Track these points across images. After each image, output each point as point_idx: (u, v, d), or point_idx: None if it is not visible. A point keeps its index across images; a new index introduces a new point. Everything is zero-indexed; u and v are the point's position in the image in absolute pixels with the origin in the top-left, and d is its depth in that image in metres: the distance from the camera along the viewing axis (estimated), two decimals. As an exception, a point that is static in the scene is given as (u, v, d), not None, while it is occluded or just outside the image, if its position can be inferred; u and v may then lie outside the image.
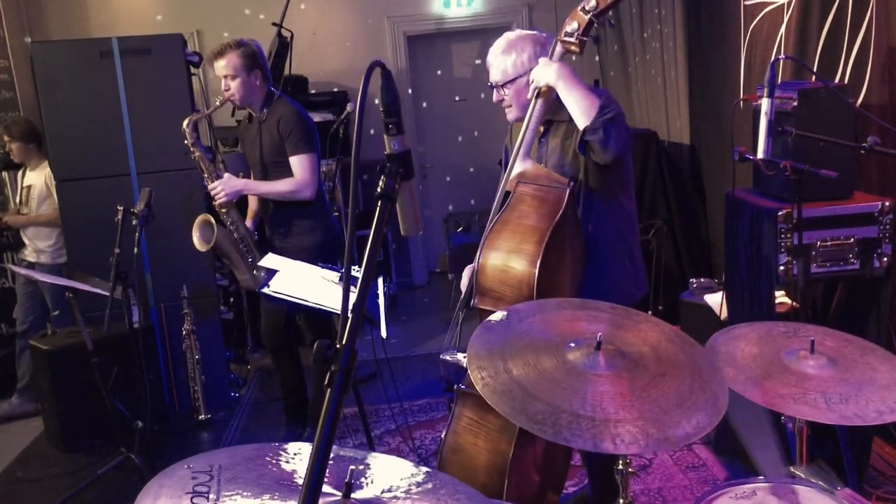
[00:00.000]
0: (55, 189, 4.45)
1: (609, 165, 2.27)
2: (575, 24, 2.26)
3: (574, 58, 2.42)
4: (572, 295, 2.29)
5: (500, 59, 2.47)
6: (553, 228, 2.13)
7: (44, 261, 4.56)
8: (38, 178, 4.54)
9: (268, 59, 5.10)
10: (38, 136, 4.50)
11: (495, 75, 2.49)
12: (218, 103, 3.52)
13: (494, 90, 2.52)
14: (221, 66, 3.44)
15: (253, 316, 5.36)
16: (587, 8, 2.22)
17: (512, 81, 2.45)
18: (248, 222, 3.74)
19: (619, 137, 2.20)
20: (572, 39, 2.26)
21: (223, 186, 3.52)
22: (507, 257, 2.15)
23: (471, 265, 2.49)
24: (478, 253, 2.24)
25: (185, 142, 3.54)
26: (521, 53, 2.45)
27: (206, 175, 3.58)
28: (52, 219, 4.49)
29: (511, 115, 2.52)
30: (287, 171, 3.51)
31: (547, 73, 2.27)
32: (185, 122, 3.54)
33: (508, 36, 2.51)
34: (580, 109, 2.22)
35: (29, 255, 4.61)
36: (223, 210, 3.59)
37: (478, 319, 2.25)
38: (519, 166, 2.31)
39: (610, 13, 2.28)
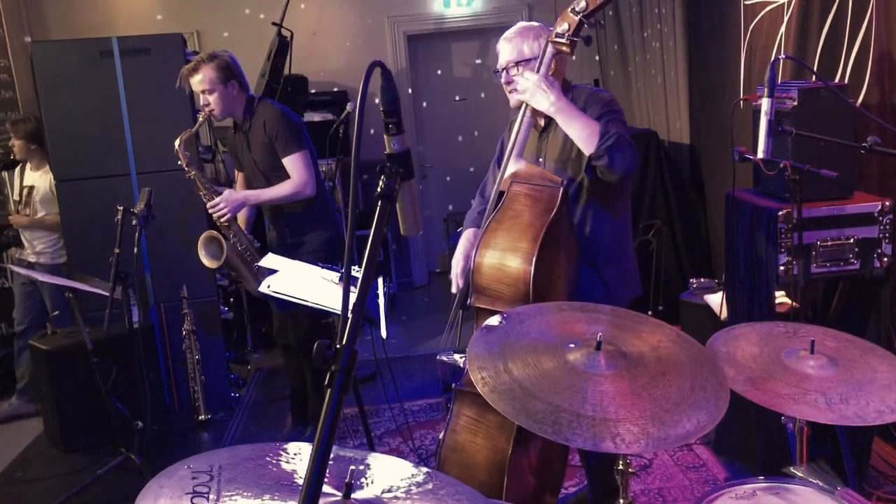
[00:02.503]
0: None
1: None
2: (565, 26, 2.27)
3: (574, 56, 2.42)
4: (567, 293, 2.29)
5: (517, 40, 2.47)
6: (547, 227, 2.14)
7: (43, 261, 4.55)
8: (41, 181, 4.51)
9: (268, 58, 5.12)
10: (43, 137, 4.49)
11: (510, 54, 2.48)
12: (200, 119, 3.52)
13: (504, 72, 2.50)
14: (197, 81, 3.42)
15: (253, 316, 5.36)
16: (577, 9, 2.24)
17: (526, 62, 2.44)
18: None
19: (623, 160, 2.24)
20: (563, 40, 2.27)
21: (225, 202, 3.50)
22: (502, 256, 2.16)
23: (456, 257, 2.50)
24: (473, 251, 2.25)
25: (179, 163, 3.52)
26: (537, 38, 2.45)
27: (203, 193, 3.55)
28: (55, 224, 4.47)
29: (515, 99, 2.49)
30: (287, 175, 3.50)
31: (541, 101, 2.28)
32: (177, 143, 3.50)
33: (522, 23, 2.54)
34: (581, 139, 2.27)
35: (28, 255, 4.60)
36: (225, 224, 3.57)
37: (475, 319, 2.25)
38: (513, 166, 2.32)
39: (605, 12, 2.30)
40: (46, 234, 4.55)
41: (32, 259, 4.57)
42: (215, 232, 3.60)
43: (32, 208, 4.54)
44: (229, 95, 3.46)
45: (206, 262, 3.60)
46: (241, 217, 3.73)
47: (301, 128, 3.54)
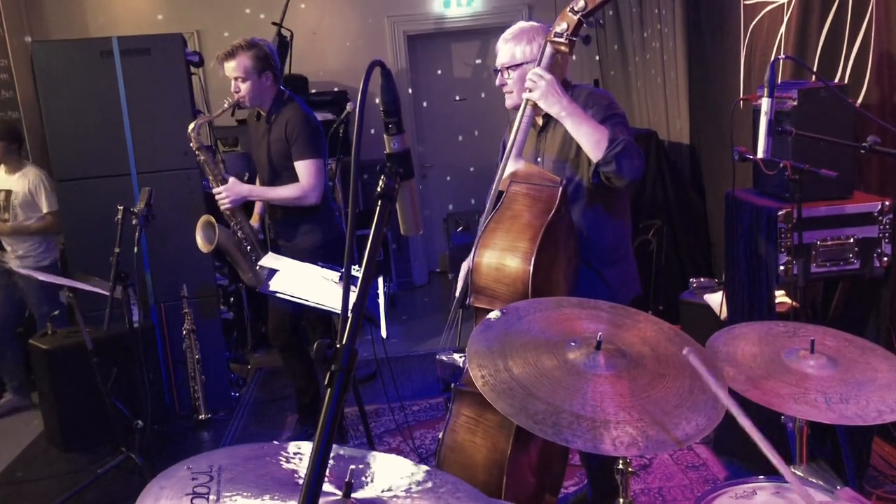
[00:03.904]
0: (43, 195, 4.39)
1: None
2: (564, 25, 2.27)
3: (574, 56, 2.42)
4: (566, 293, 2.29)
5: (511, 44, 2.49)
6: (546, 226, 2.14)
7: (27, 265, 4.46)
8: (19, 185, 4.45)
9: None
10: (21, 137, 4.44)
11: (503, 57, 2.51)
12: (226, 105, 3.48)
13: (498, 74, 2.53)
14: (231, 67, 3.41)
15: (253, 316, 5.36)
16: (576, 8, 2.24)
17: (517, 66, 2.47)
18: (254, 223, 3.73)
19: (631, 166, 2.24)
20: (562, 40, 2.28)
21: (227, 192, 3.50)
22: (501, 255, 2.16)
23: (467, 261, 2.51)
24: (472, 251, 2.25)
25: (191, 145, 3.53)
26: (531, 42, 2.47)
27: (211, 179, 3.57)
28: (40, 228, 4.41)
29: (510, 101, 2.53)
30: (296, 175, 3.51)
31: (552, 104, 2.27)
32: (191, 127, 3.52)
33: (521, 24, 2.55)
34: (590, 145, 2.26)
35: (10, 259, 4.51)
36: (228, 213, 3.58)
37: (474, 319, 2.25)
38: (511, 166, 2.32)
39: (605, 12, 2.30)
40: (28, 237, 4.49)
41: (15, 264, 4.47)
42: (212, 218, 3.61)
43: (12, 213, 4.46)
44: (262, 86, 3.45)
45: (201, 245, 3.62)
46: (256, 208, 3.76)
47: (321, 136, 3.53)
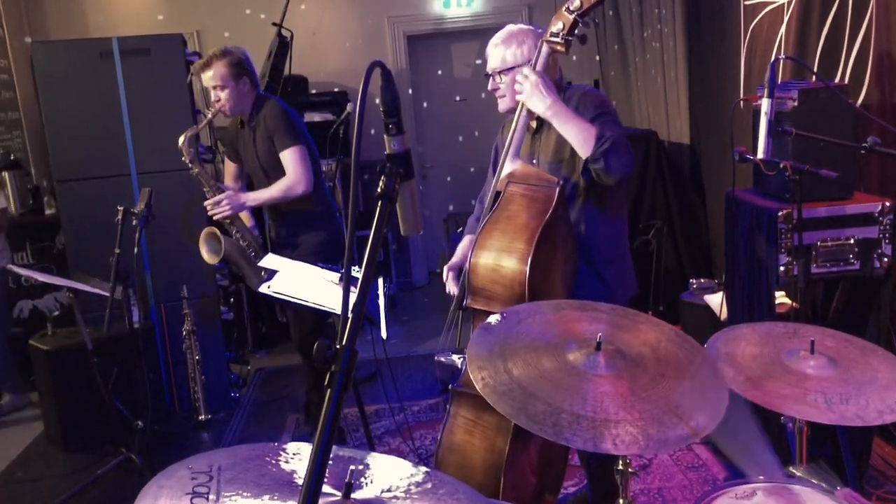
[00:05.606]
0: None
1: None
2: (560, 25, 2.27)
3: (574, 57, 2.43)
4: (564, 293, 2.29)
5: (500, 48, 2.50)
6: (543, 227, 2.14)
7: None
8: None
9: (268, 59, 5.12)
10: None
11: (493, 63, 2.52)
12: (210, 115, 3.50)
13: (490, 79, 2.54)
14: (209, 76, 3.41)
15: (253, 316, 5.36)
16: (571, 8, 2.25)
17: (509, 70, 2.47)
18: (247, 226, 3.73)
19: (619, 163, 2.25)
20: (558, 39, 2.28)
21: (228, 200, 3.48)
22: (497, 256, 2.16)
23: (450, 263, 2.52)
24: (469, 253, 2.25)
25: (183, 159, 3.52)
26: (521, 45, 2.48)
27: (206, 190, 3.55)
28: None
29: (503, 105, 2.54)
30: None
31: (537, 103, 2.28)
32: (181, 140, 3.50)
33: (510, 27, 2.56)
34: (578, 142, 2.27)
35: None
36: (227, 221, 3.57)
37: (472, 320, 2.25)
38: (509, 166, 2.32)
39: (605, 12, 2.30)
40: None
41: None
42: (216, 229, 3.60)
43: None
44: (240, 92, 3.45)
45: (207, 257, 3.61)
46: (245, 215, 3.75)
47: (299, 124, 3.53)
